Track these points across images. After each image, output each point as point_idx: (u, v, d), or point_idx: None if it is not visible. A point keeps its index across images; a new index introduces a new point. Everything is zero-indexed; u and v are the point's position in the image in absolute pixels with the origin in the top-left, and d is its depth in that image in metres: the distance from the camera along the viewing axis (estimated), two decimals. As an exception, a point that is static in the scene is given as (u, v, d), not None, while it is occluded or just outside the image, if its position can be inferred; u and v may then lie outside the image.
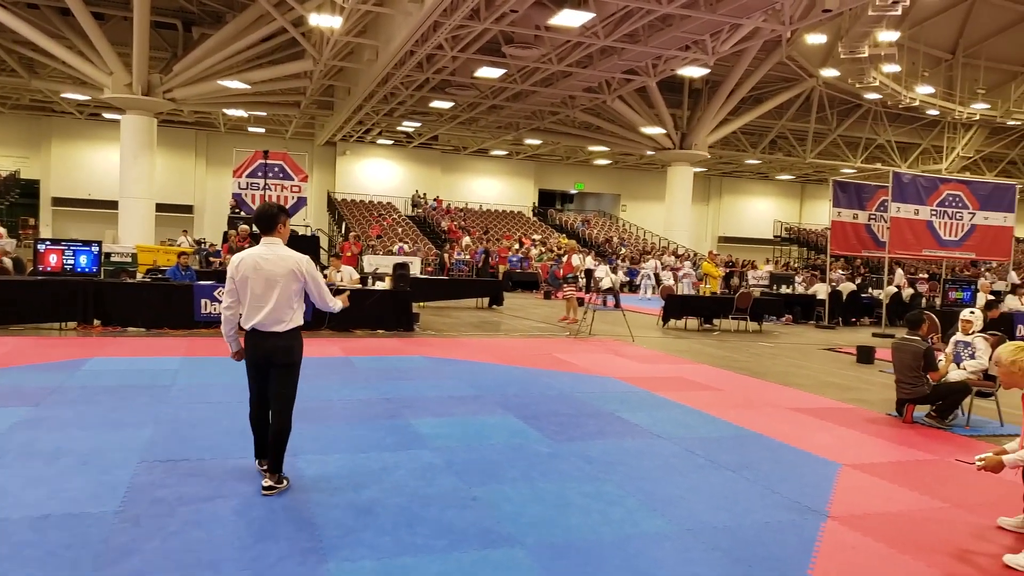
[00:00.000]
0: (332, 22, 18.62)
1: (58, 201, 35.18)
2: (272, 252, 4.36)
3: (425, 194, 39.18)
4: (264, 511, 4.10)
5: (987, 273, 28.83)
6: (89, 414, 5.99)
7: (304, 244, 14.26)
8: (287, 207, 10.25)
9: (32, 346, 9.26)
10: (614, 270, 26.23)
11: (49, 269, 11.35)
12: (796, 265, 37.51)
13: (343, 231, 31.44)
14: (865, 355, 11.45)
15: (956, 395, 7.00)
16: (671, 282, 25.18)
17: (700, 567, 3.66)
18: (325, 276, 11.25)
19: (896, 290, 18.93)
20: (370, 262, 22.85)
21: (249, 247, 4.84)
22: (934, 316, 9.68)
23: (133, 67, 23.51)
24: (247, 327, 4.35)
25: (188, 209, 37.29)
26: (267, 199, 17.45)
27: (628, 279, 28.30)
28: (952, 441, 6.52)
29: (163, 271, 13.15)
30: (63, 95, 29.02)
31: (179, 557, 3.50)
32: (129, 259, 19.07)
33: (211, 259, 17.19)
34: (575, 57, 21.62)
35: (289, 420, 4.40)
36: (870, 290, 20.01)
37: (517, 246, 31.29)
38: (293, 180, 17.31)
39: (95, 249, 11.83)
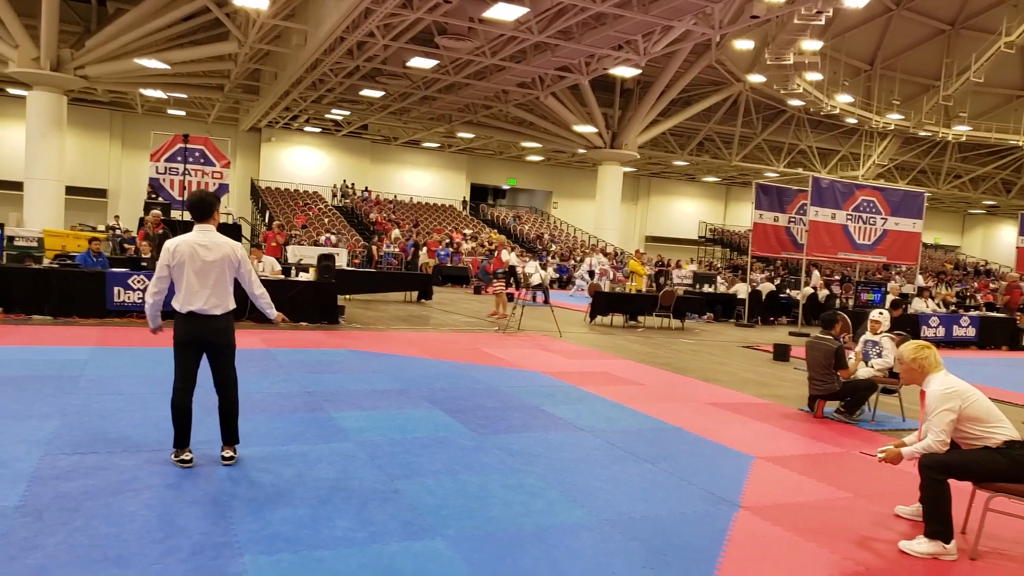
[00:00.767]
0: (259, 3, 17.91)
1: (-43, 180, 33.07)
2: (208, 238, 4.60)
3: (353, 184, 38.54)
4: (176, 505, 3.96)
5: (897, 276, 30.40)
6: (-13, 405, 5.66)
7: (226, 233, 13.77)
8: (209, 193, 9.91)
9: (-75, 333, 8.70)
10: (544, 267, 26.48)
11: (-55, 251, 10.67)
12: (720, 265, 38.66)
13: (267, 220, 30.61)
14: (781, 353, 11.89)
15: (863, 392, 7.35)
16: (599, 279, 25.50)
17: (617, 556, 3.73)
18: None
19: (812, 291, 19.71)
20: (295, 252, 22.31)
21: (162, 233, 4.90)
22: (847, 316, 10.11)
23: (41, 40, 22.22)
24: (183, 311, 4.51)
25: (102, 193, 35.62)
26: (186, 184, 16.85)
27: (558, 275, 28.59)
28: (858, 435, 6.84)
29: (72, 257, 12.48)
30: (-37, 67, 27.29)
31: (84, 552, 3.35)
32: (35, 244, 18.03)
33: (125, 245, 16.40)
34: (509, 51, 21.67)
35: (237, 395, 4.75)
36: (788, 291, 20.75)
37: (447, 240, 31.17)
38: (215, 166, 16.77)
39: (-3, 232, 11.18)
